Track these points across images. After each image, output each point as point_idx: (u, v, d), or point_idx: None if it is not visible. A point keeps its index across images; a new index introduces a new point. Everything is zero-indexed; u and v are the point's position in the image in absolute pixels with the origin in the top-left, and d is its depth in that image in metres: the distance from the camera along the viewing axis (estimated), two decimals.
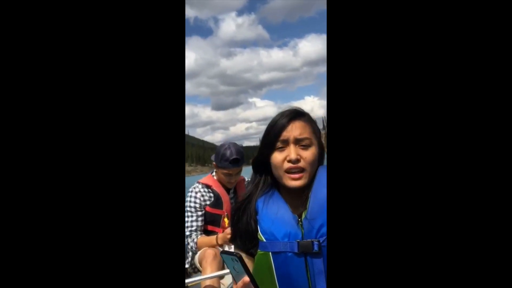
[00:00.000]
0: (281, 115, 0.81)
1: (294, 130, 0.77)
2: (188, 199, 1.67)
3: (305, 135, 0.78)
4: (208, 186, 1.70)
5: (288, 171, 0.77)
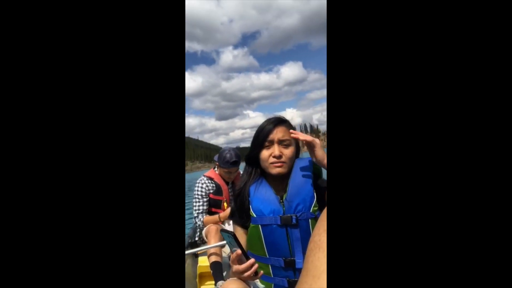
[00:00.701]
0: (268, 121, 1.02)
1: (278, 133, 0.98)
2: (196, 188, 2.11)
3: (286, 137, 0.98)
4: (211, 179, 2.16)
5: (273, 163, 0.98)
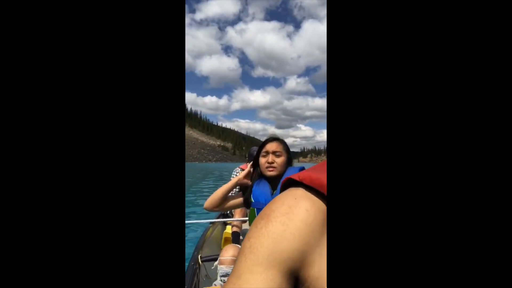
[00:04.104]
0: (266, 139, 1.40)
1: (272, 146, 1.35)
2: (232, 174, 2.78)
3: (279, 149, 1.35)
4: (243, 169, 2.79)
5: (267, 167, 1.34)
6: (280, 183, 0.49)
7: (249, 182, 1.41)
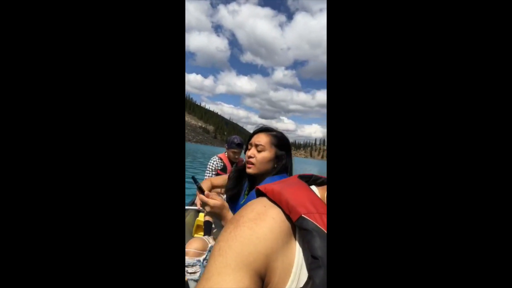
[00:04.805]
0: (254, 129, 1.21)
1: (256, 138, 1.14)
2: (209, 163, 2.69)
3: (261, 142, 1.11)
4: (221, 159, 2.73)
5: (247, 162, 1.16)
6: (254, 189, 0.48)
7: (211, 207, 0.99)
